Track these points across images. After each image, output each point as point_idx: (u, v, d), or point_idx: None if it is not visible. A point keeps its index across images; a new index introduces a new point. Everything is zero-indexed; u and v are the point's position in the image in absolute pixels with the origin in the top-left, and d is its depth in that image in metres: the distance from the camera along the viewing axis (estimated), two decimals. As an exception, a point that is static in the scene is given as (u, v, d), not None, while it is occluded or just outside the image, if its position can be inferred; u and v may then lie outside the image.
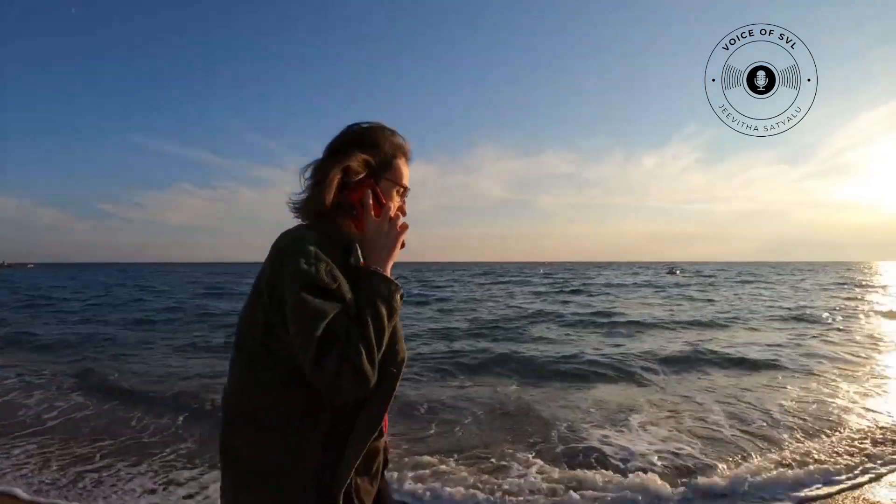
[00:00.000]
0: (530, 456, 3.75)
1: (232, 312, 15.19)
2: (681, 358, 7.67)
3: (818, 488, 3.20)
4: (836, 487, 3.22)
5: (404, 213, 1.08)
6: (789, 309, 15.03)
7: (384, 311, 0.92)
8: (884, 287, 27.11)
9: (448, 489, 3.15)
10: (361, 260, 1.00)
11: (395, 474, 3.34)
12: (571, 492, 3.13)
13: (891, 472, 3.45)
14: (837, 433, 4.22)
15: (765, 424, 4.47)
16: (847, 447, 3.88)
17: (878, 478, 3.36)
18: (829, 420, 4.57)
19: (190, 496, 3.15)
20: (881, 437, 4.10)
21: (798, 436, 4.17)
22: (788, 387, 5.89)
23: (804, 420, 4.56)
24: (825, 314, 13.55)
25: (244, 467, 0.96)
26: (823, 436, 4.17)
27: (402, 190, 1.08)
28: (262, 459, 0.94)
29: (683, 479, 3.34)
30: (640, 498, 3.07)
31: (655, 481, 3.24)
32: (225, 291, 25.29)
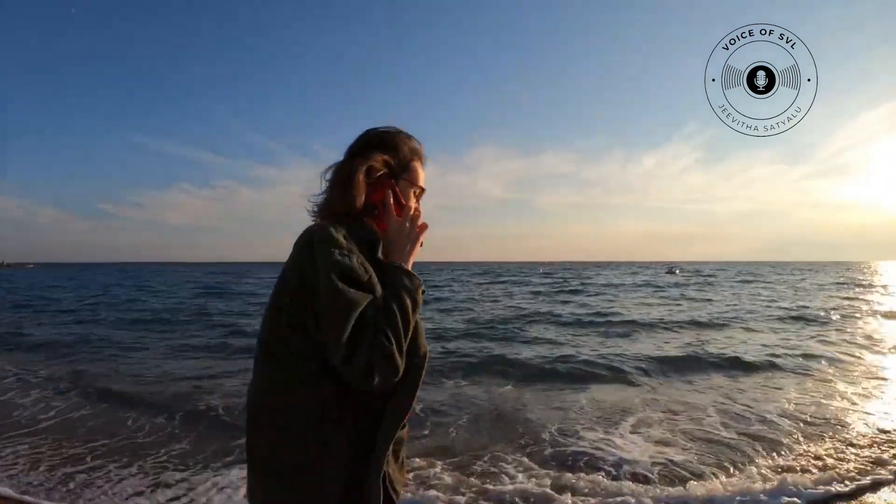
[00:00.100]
0: (519, 460, 3.71)
1: (230, 312, 15.18)
2: (678, 358, 7.65)
3: (817, 495, 3.13)
4: (835, 493, 3.16)
5: (420, 213, 1.12)
6: (788, 309, 15.02)
7: (409, 304, 0.96)
8: (884, 287, 27.12)
9: (430, 493, 3.12)
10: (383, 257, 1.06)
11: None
12: (557, 499, 3.07)
13: (892, 476, 3.37)
14: (836, 437, 4.17)
15: (762, 428, 4.41)
16: (846, 451, 3.83)
17: (879, 485, 3.26)
18: (827, 423, 4.53)
19: (176, 498, 3.12)
20: (881, 440, 4.04)
21: (795, 440, 4.12)
22: (786, 388, 5.86)
23: (802, 423, 4.52)
24: (823, 313, 13.54)
25: (259, 468, 0.98)
26: (821, 440, 4.11)
27: (418, 191, 1.13)
28: (276, 460, 0.95)
29: (676, 487, 3.26)
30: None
31: (646, 489, 3.18)
32: (224, 291, 25.30)
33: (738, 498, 3.09)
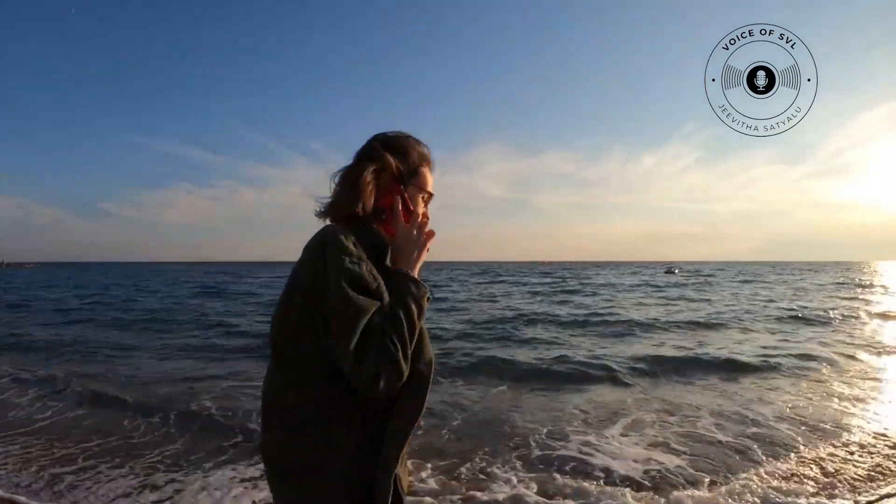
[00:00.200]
0: (508, 464, 3.66)
1: (227, 313, 15.18)
2: (674, 359, 7.62)
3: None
4: (835, 500, 3.09)
5: (428, 219, 1.14)
6: (787, 309, 14.99)
7: (415, 311, 0.97)
8: (884, 287, 27.07)
9: (409, 499, 3.09)
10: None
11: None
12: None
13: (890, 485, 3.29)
14: (835, 440, 4.10)
15: (758, 431, 4.33)
16: (845, 454, 3.78)
17: (880, 499, 3.14)
18: (825, 427, 4.45)
19: (161, 501, 3.10)
20: (882, 445, 3.96)
21: (793, 445, 4.02)
22: (784, 390, 5.83)
23: (799, 427, 4.43)
24: (822, 313, 13.51)
25: (269, 468, 1.00)
26: (820, 444, 4.02)
27: (427, 196, 1.14)
28: (284, 459, 0.97)
29: (664, 494, 3.18)
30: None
31: (633, 495, 3.12)
32: (222, 291, 25.30)
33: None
